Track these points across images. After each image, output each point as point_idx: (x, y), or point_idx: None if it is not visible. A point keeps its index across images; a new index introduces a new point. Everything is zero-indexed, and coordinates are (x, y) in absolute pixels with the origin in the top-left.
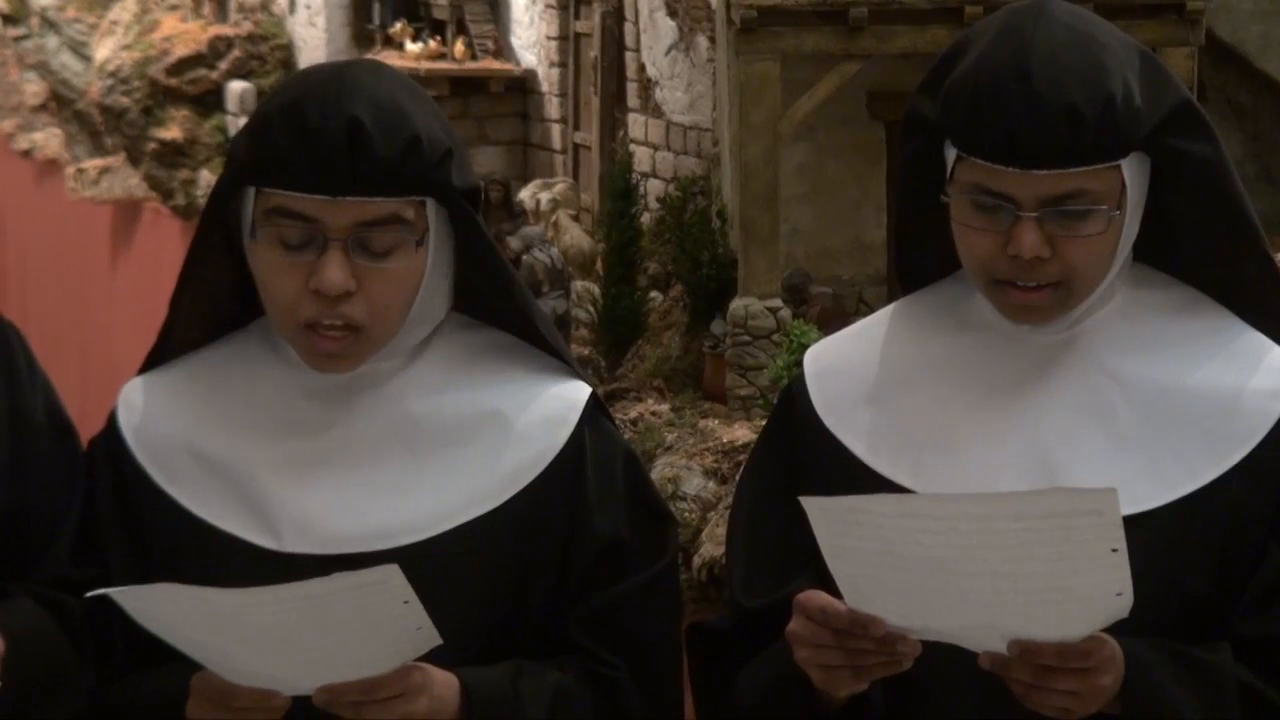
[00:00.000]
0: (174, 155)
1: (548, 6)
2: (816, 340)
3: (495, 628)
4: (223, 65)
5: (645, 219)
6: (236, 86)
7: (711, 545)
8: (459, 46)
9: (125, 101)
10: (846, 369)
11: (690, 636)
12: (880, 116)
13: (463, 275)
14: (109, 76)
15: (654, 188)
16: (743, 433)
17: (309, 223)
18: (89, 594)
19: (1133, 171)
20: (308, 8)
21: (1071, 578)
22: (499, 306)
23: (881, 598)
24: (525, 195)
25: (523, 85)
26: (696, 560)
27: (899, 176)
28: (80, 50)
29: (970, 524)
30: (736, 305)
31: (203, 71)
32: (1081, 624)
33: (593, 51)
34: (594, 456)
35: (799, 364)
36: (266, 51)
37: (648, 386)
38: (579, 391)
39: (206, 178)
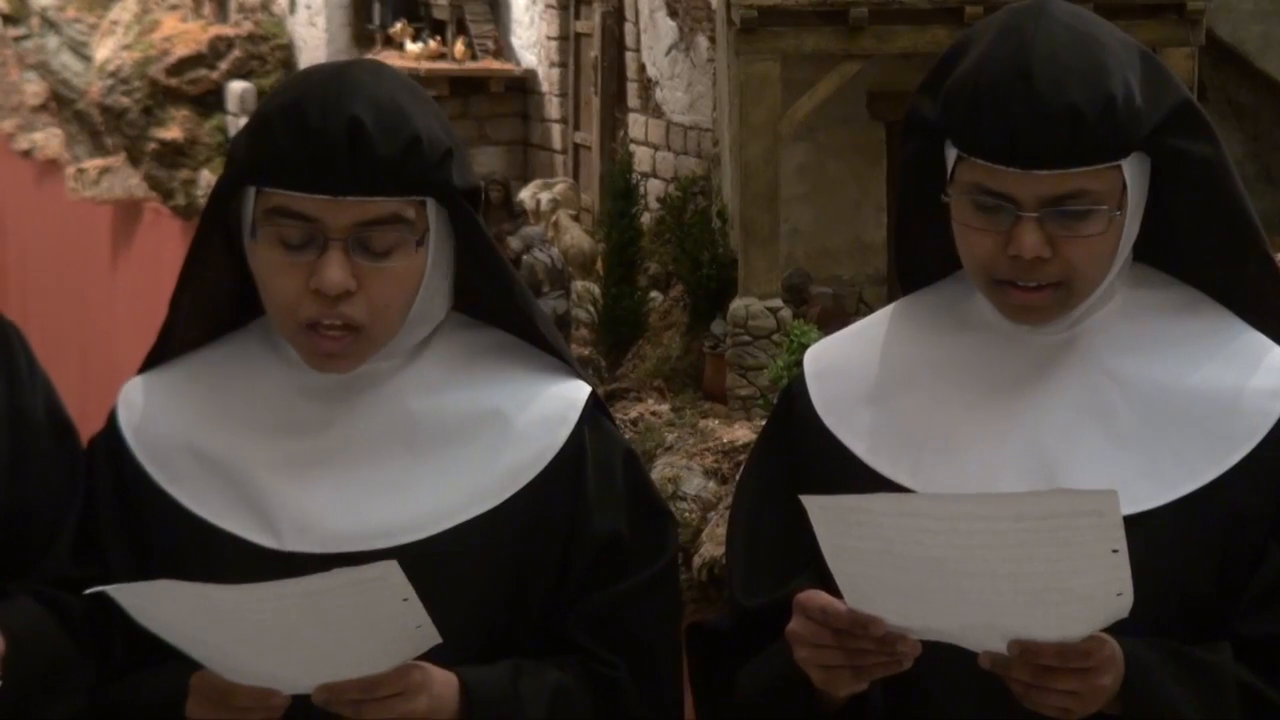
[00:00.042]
0: (174, 155)
1: (548, 6)
2: (817, 340)
3: (495, 627)
4: (223, 65)
5: (645, 219)
6: (237, 86)
7: (712, 545)
8: (459, 46)
9: (125, 101)
10: (846, 369)
11: (690, 636)
12: (880, 116)
13: (463, 275)
14: (109, 76)
15: (654, 188)
16: (743, 433)
17: (309, 222)
18: (88, 591)
19: (1133, 171)
20: (308, 8)
21: (1072, 578)
22: (499, 306)
23: (881, 597)
24: (525, 195)
25: (523, 85)
26: (697, 560)
27: (899, 176)
28: (80, 50)
29: (970, 524)
30: (737, 305)
31: (203, 71)
32: (1081, 624)
33: (593, 51)
34: (594, 455)
35: (799, 364)
36: (267, 51)
37: (648, 386)
38: (579, 391)
39: (207, 178)
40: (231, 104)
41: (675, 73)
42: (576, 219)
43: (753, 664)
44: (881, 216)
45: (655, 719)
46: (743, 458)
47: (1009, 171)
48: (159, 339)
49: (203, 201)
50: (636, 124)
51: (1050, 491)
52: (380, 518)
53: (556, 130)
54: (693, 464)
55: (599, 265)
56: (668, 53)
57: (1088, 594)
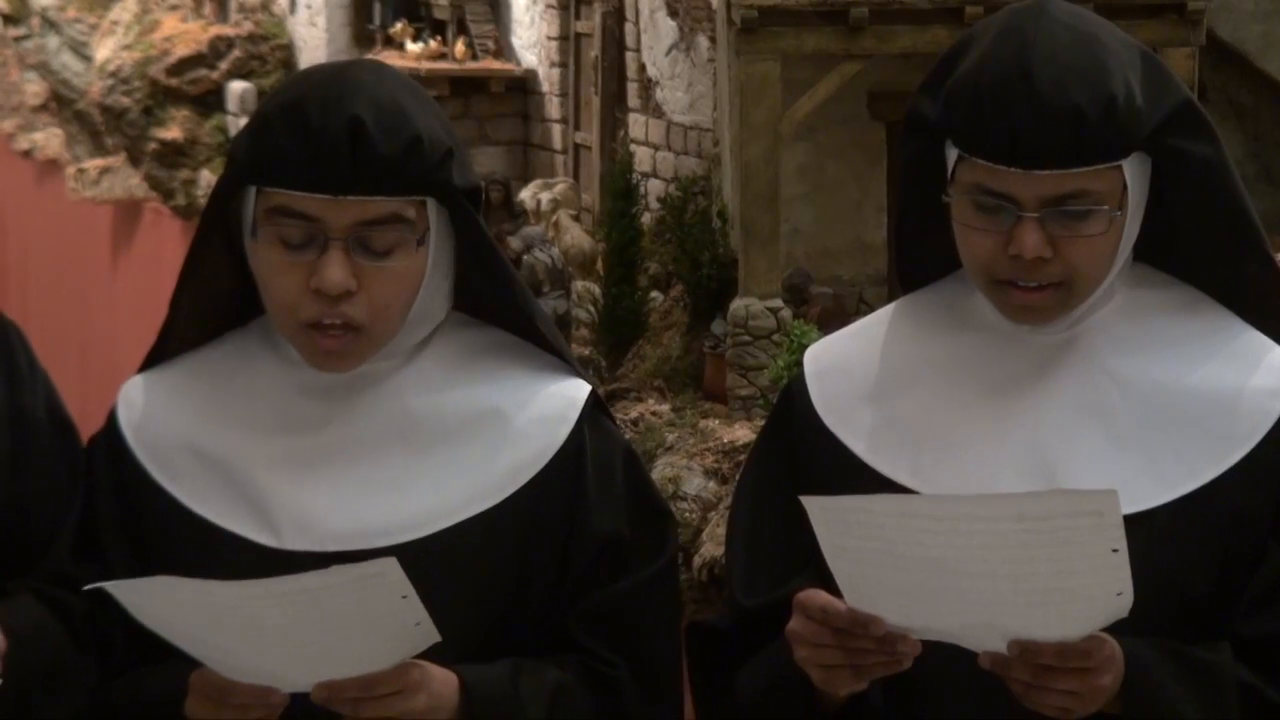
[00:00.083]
0: (174, 155)
1: (548, 6)
2: (817, 341)
3: (494, 625)
4: (223, 65)
5: (646, 219)
6: (237, 86)
7: (712, 545)
8: (459, 46)
9: (126, 101)
10: (846, 368)
11: (690, 635)
12: (881, 117)
13: (463, 275)
14: (109, 76)
15: (654, 188)
16: (743, 433)
17: (310, 222)
18: (86, 587)
19: (1134, 172)
20: (308, 8)
21: (1072, 578)
22: (499, 306)
23: (882, 597)
24: (526, 195)
25: (523, 85)
26: (697, 560)
27: (899, 177)
28: (81, 50)
29: (971, 525)
30: (737, 305)
31: (203, 71)
32: (1081, 624)
33: (593, 51)
34: (593, 454)
35: (799, 364)
36: (267, 51)
37: (648, 386)
38: (579, 389)
39: (207, 178)
40: (232, 104)
41: (675, 73)
42: (577, 219)
43: (752, 663)
44: (882, 217)
45: (655, 718)
46: (743, 458)
47: (1010, 171)
48: (159, 338)
49: (203, 201)
50: (637, 124)
51: (1050, 492)
52: (380, 516)
53: (557, 130)
54: (693, 464)
55: (599, 265)
56: (668, 53)
57: (1088, 594)
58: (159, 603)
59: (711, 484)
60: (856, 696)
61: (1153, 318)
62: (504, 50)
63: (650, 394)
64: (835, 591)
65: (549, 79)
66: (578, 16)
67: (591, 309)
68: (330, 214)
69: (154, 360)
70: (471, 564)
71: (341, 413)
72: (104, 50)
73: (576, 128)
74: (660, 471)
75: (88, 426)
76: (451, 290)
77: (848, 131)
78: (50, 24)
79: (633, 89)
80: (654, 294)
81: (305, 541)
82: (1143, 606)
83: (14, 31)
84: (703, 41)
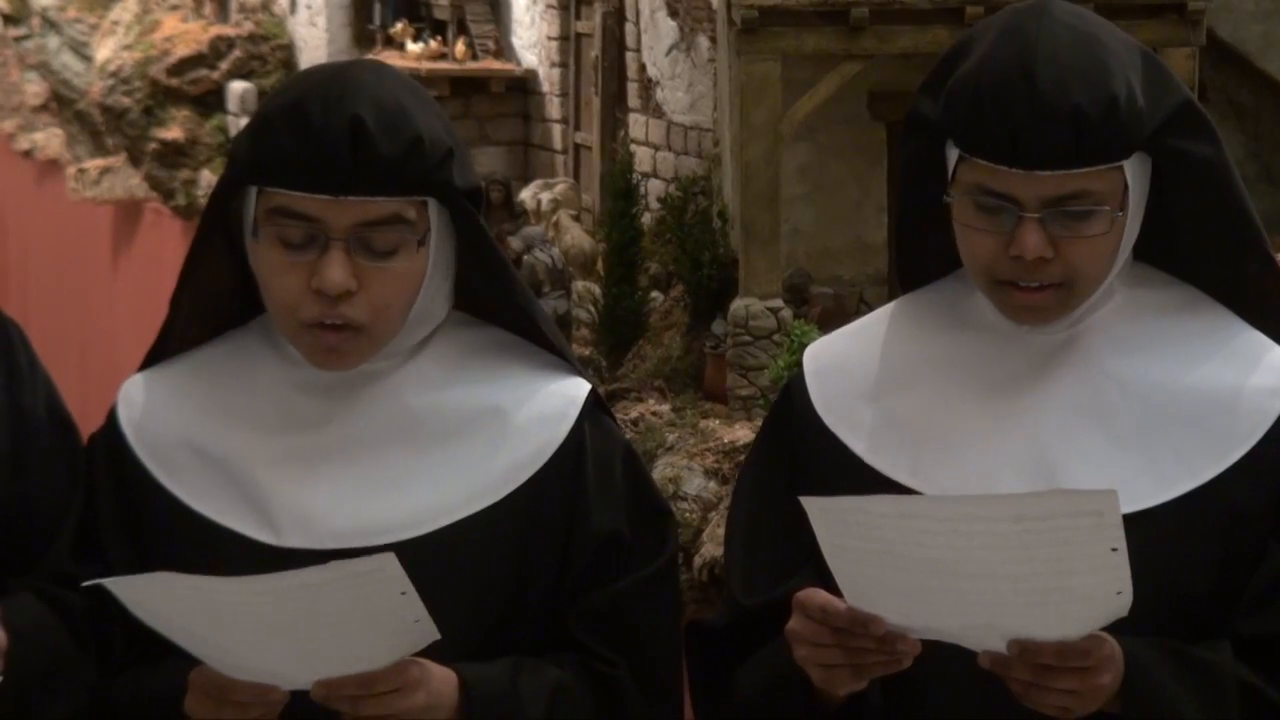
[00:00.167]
0: (175, 155)
1: (548, 7)
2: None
3: (494, 624)
4: (224, 65)
5: (646, 219)
6: (237, 87)
7: (712, 545)
8: (460, 47)
9: (126, 101)
10: (846, 367)
11: (689, 634)
12: (881, 117)
13: (464, 275)
14: (110, 77)
15: (655, 188)
16: (744, 433)
17: (311, 222)
18: (85, 584)
19: (1135, 172)
20: (309, 8)
21: (1071, 578)
22: (500, 306)
23: (881, 597)
24: (526, 195)
25: (523, 85)
26: (697, 560)
27: (900, 177)
28: (81, 50)
29: (970, 525)
30: (737, 305)
31: (204, 72)
32: (1081, 623)
33: (593, 52)
34: (593, 453)
35: (799, 364)
36: (267, 52)
37: (648, 387)
38: (579, 388)
39: (207, 178)
40: (232, 104)
41: (676, 73)
42: (577, 219)
43: (751, 662)
44: (882, 217)
45: (655, 717)
46: (743, 458)
47: (1011, 172)
48: (159, 337)
49: (203, 201)
50: (637, 124)
51: (1050, 492)
52: (380, 514)
53: (557, 130)
54: (693, 464)
55: (599, 265)
56: (668, 53)
57: (1087, 593)
58: (158, 599)
59: (712, 484)
60: (856, 696)
61: (1153, 317)
62: (504, 50)
63: (650, 394)
64: (835, 591)
65: (549, 79)
66: (578, 16)
67: (592, 309)
68: (331, 214)
69: (154, 359)
70: (471, 562)
71: (341, 411)
72: (104, 50)
73: (577, 128)
74: (660, 471)
75: (88, 426)
76: (452, 290)
77: (848, 131)
78: (50, 24)
79: (633, 89)
80: (654, 294)
81: (305, 539)
82: (1142, 606)
83: (14, 31)
84: (703, 42)
